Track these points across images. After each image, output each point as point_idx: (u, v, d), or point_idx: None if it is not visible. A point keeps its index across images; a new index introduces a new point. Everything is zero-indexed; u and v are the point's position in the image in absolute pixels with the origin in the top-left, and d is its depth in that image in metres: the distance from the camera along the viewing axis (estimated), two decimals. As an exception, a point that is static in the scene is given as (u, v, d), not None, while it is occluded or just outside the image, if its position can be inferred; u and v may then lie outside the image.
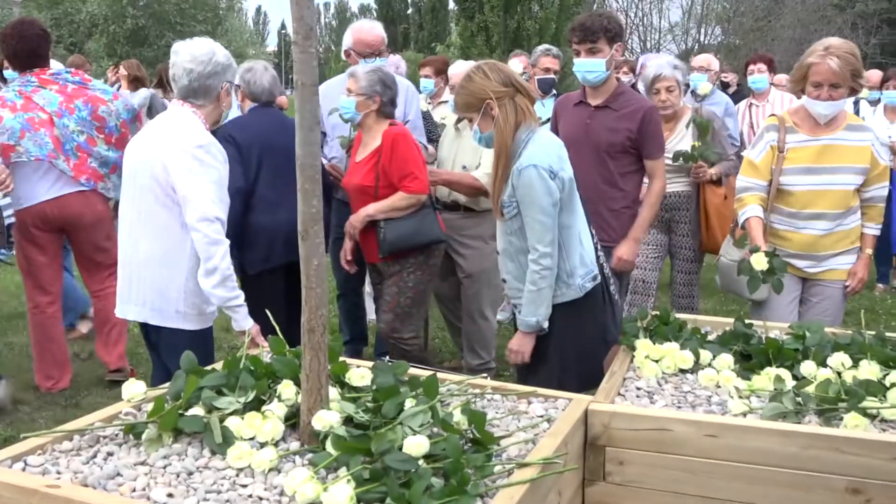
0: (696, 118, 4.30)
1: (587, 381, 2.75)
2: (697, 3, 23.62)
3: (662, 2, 23.89)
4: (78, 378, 4.65)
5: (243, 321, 2.91)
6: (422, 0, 50.13)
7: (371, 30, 4.48)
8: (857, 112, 5.94)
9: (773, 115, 3.56)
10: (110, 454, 1.89)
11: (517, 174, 2.82)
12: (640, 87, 5.65)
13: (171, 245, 2.91)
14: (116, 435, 1.99)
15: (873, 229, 3.49)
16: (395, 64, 5.63)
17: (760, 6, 22.79)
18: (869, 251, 3.49)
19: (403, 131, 3.83)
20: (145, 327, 3.10)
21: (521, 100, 2.85)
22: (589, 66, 3.65)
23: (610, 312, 3.08)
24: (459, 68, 4.83)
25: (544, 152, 2.83)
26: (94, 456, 1.88)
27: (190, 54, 2.99)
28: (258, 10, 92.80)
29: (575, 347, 2.98)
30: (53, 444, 1.93)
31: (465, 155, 4.16)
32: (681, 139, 4.39)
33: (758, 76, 6.25)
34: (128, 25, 29.80)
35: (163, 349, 3.05)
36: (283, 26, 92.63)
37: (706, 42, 23.15)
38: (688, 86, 7.39)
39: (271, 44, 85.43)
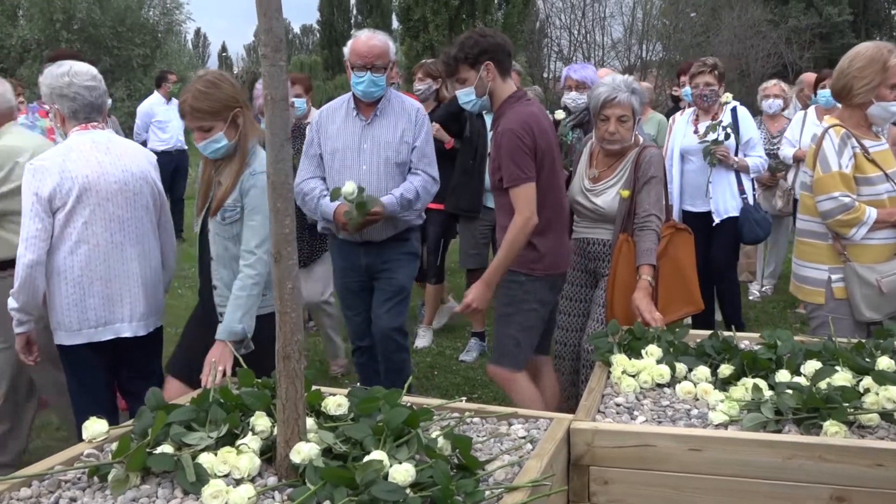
0: None
1: None
2: (638, 20, 24.07)
3: (605, 19, 24.29)
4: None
5: None
6: (365, 20, 50.18)
7: (368, 39, 3.82)
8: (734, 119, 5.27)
9: (836, 123, 3.28)
10: (73, 500, 1.78)
11: (251, 179, 2.91)
12: (569, 100, 5.14)
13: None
14: (79, 478, 1.88)
15: None
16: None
17: (698, 22, 23.33)
18: None
19: None
20: (125, 344, 3.17)
21: (249, 112, 2.98)
22: (462, 98, 3.42)
23: None
24: None
25: None
26: (57, 502, 1.76)
27: (89, 73, 3.11)
28: (197, 32, 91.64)
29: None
30: (11, 491, 1.81)
31: None
32: (617, 181, 3.58)
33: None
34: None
35: (152, 350, 3.32)
36: (223, 49, 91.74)
37: (648, 58, 23.60)
38: (676, 101, 6.93)
39: (212, 67, 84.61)
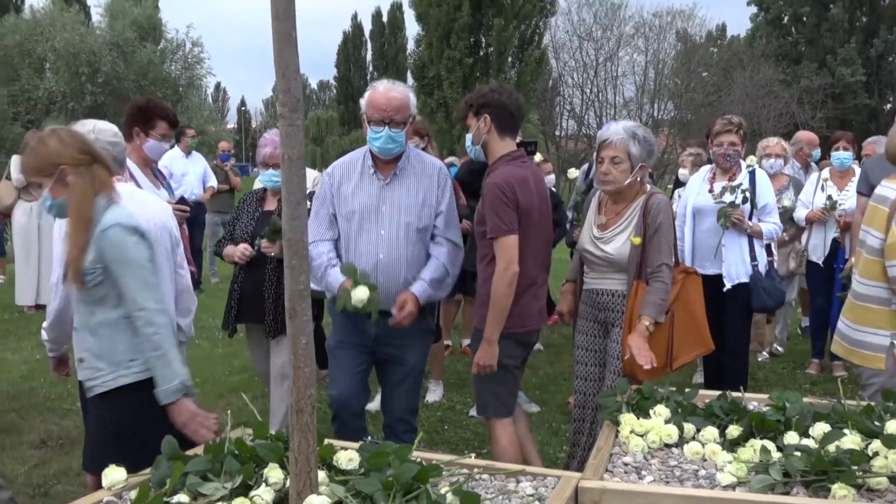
0: None
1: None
2: (650, 80, 24.43)
3: (617, 78, 24.68)
4: (46, 466, 4.47)
5: None
6: (380, 77, 51.06)
7: (386, 91, 3.48)
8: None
9: None
10: (91, 547, 1.81)
11: (101, 236, 2.71)
12: None
13: None
14: (96, 526, 1.91)
15: None
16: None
17: (710, 82, 23.64)
18: None
19: None
20: None
21: (99, 170, 2.79)
22: (467, 142, 3.65)
23: None
24: None
25: (127, 213, 2.77)
26: (74, 549, 1.80)
27: (111, 131, 3.28)
28: (217, 86, 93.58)
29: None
30: (29, 538, 1.85)
31: None
32: (625, 228, 3.58)
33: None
34: (87, 102, 29.66)
35: None
36: (242, 103, 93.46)
37: (659, 117, 23.88)
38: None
39: (231, 121, 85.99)
